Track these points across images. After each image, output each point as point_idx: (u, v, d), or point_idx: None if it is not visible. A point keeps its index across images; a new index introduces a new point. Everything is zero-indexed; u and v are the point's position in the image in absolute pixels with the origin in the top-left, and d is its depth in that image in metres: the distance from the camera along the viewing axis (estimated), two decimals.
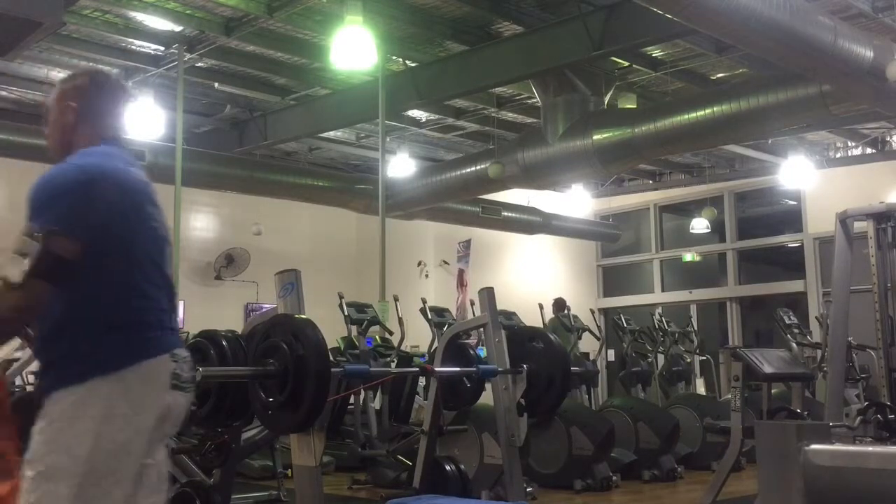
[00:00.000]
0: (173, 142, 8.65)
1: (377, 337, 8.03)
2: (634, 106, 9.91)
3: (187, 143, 9.24)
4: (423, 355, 7.99)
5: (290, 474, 6.16)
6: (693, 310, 14.23)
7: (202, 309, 10.60)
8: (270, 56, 9.24)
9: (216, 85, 9.90)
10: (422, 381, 7.25)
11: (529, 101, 10.49)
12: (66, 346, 2.04)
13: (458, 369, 5.77)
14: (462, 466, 5.62)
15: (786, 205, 13.96)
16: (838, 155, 12.66)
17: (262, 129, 10.95)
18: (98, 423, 1.98)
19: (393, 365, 7.42)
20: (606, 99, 9.58)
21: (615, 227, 15.50)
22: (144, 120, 9.40)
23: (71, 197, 2.03)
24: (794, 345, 9.40)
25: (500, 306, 6.05)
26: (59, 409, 2.01)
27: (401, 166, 11.86)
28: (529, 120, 11.02)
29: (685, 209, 14.79)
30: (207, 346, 4.65)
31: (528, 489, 6.54)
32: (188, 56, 8.68)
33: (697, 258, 14.33)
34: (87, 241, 2.01)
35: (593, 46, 7.70)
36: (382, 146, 8.90)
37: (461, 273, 13.36)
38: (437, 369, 5.58)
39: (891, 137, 12.07)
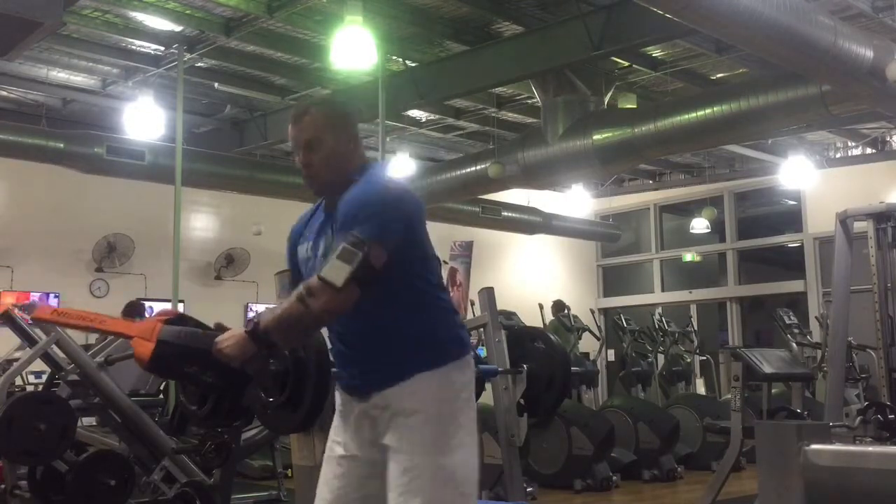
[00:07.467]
0: (173, 142, 8.63)
1: None
2: (634, 106, 9.90)
3: (187, 143, 9.22)
4: None
5: (290, 474, 6.16)
6: (693, 310, 14.24)
7: (202, 309, 10.51)
8: (270, 56, 9.23)
9: (216, 85, 9.89)
10: None
11: (529, 101, 10.48)
12: (406, 344, 2.28)
13: None
14: None
15: (786, 205, 13.97)
16: (838, 155, 12.66)
17: (262, 129, 10.95)
18: (452, 407, 2.27)
19: None
20: (606, 99, 9.57)
21: (615, 227, 15.51)
22: (144, 120, 9.39)
23: (388, 211, 2.23)
24: (794, 345, 9.40)
25: (500, 306, 6.05)
26: (421, 401, 2.24)
27: (401, 166, 11.85)
28: (529, 120, 11.02)
29: (685, 209, 14.80)
30: None
31: (528, 489, 6.54)
32: (188, 56, 8.66)
33: (697, 258, 14.34)
34: (398, 250, 2.20)
35: (593, 46, 7.69)
36: (382, 146, 8.89)
37: (453, 272, 13.30)
38: None
39: (891, 137, 12.07)
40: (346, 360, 2.40)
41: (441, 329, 2.35)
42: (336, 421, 2.45)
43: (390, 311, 2.27)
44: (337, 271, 2.08)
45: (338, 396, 2.45)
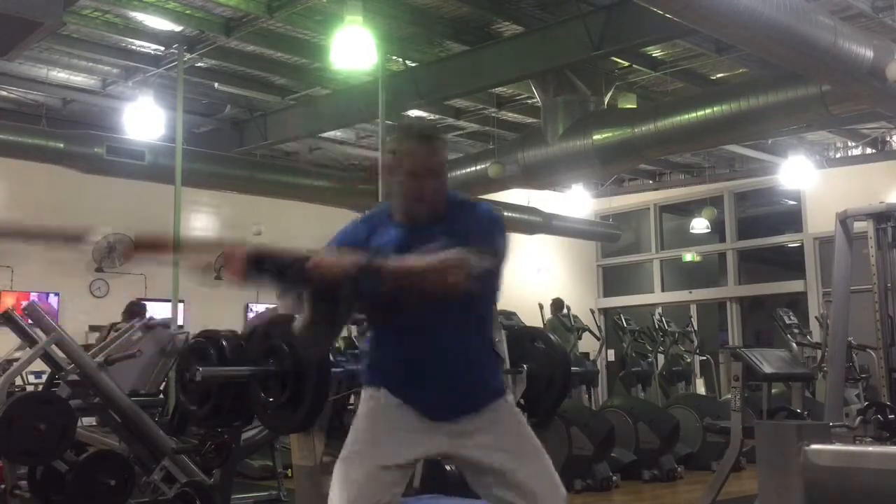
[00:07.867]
0: (173, 142, 8.63)
1: None
2: (634, 106, 9.91)
3: (187, 143, 9.22)
4: None
5: (290, 474, 6.16)
6: (693, 310, 14.23)
7: (202, 309, 10.60)
8: (270, 56, 9.24)
9: (216, 85, 9.90)
10: None
11: (529, 101, 10.48)
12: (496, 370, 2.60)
13: None
14: None
15: (786, 205, 13.96)
16: (838, 155, 12.65)
17: (262, 129, 10.95)
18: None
19: None
20: (606, 99, 9.57)
21: (615, 227, 15.50)
22: (144, 120, 9.39)
23: (505, 235, 2.52)
24: (794, 345, 9.40)
25: (500, 306, 6.03)
26: (518, 419, 2.56)
27: None
28: (529, 120, 11.02)
29: (685, 209, 14.79)
30: (207, 346, 4.65)
31: None
32: (188, 56, 8.67)
33: (697, 258, 14.33)
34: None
35: (593, 46, 7.69)
36: (382, 146, 8.90)
37: None
38: None
39: (891, 137, 12.07)
40: (429, 382, 2.39)
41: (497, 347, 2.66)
42: (368, 426, 2.41)
43: (486, 331, 2.53)
44: (478, 262, 2.21)
45: (384, 405, 2.42)
